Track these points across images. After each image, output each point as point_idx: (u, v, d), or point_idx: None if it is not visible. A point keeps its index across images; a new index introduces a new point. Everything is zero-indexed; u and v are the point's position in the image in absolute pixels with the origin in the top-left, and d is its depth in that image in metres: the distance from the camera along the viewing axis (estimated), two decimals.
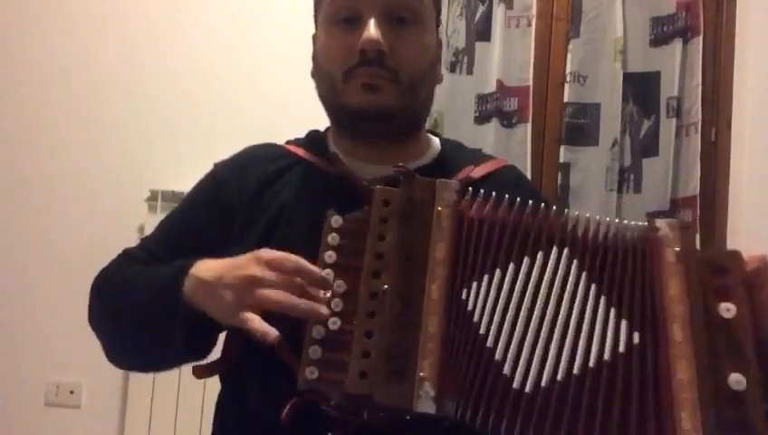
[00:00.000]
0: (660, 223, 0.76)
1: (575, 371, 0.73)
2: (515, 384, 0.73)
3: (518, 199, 0.81)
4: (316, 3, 1.03)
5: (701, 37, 2.30)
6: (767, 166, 2.18)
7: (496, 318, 0.76)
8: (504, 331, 0.75)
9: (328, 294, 0.78)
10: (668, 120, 2.29)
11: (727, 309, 0.70)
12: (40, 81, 2.41)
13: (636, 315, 0.73)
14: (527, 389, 0.73)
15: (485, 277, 0.77)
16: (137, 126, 2.38)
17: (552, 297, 0.76)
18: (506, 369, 0.74)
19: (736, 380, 0.68)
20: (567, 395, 0.72)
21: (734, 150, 2.26)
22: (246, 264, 0.80)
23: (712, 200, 2.27)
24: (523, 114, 2.33)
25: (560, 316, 0.75)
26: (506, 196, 0.81)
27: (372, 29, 0.91)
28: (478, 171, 0.99)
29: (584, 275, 0.76)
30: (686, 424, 0.68)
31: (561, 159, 2.31)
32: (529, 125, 2.32)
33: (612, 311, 0.74)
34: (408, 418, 0.76)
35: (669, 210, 2.24)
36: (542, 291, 0.76)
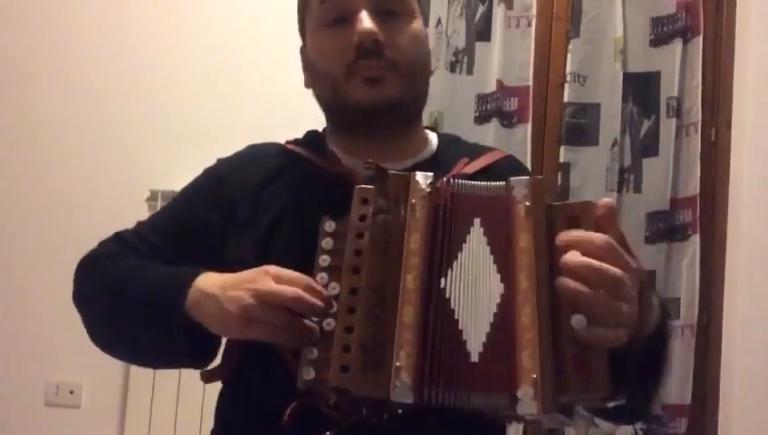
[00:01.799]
0: (514, 181, 0.80)
1: (486, 329, 0.76)
2: (471, 358, 0.75)
3: (480, 184, 0.82)
4: (301, 15, 1.03)
5: (701, 37, 2.30)
6: (767, 166, 2.18)
7: (464, 301, 0.77)
8: (467, 311, 0.77)
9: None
10: (668, 120, 2.29)
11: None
12: (40, 81, 2.42)
13: (502, 269, 0.78)
14: (476, 359, 0.75)
15: (454, 263, 0.79)
16: (137, 126, 2.38)
17: (475, 267, 0.79)
18: (467, 346, 0.76)
19: (578, 319, 0.70)
20: (484, 358, 0.75)
21: (734, 150, 2.26)
22: (255, 277, 0.81)
23: (712, 200, 2.27)
24: (523, 114, 2.33)
25: (478, 283, 0.78)
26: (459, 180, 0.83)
27: (366, 21, 0.92)
28: (473, 166, 0.99)
29: (485, 239, 0.80)
30: (527, 362, 0.72)
31: (561, 159, 2.31)
32: (529, 125, 2.32)
33: (494, 267, 0.78)
34: (399, 411, 0.77)
35: (669, 210, 2.24)
36: (473, 263, 0.79)
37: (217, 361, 0.94)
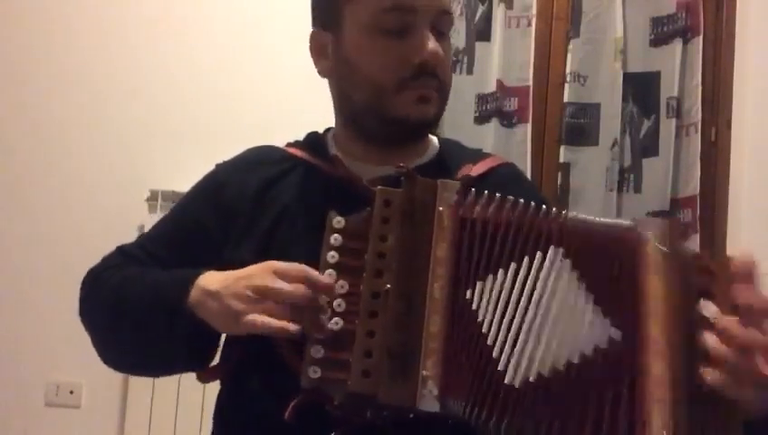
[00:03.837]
0: (649, 221, 0.77)
1: (560, 367, 0.73)
2: (507, 380, 0.74)
3: (520, 200, 0.80)
4: (336, 3, 0.97)
5: (701, 37, 2.30)
6: (767, 166, 2.18)
7: (497, 317, 0.76)
8: (503, 329, 0.75)
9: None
10: (668, 121, 2.29)
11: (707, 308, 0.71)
12: (40, 81, 2.41)
13: (617, 312, 0.73)
14: (516, 384, 0.73)
15: (489, 277, 0.77)
16: (137, 126, 2.38)
17: (546, 295, 0.76)
18: (501, 365, 0.74)
19: (714, 376, 0.67)
20: (550, 390, 0.73)
21: (734, 150, 2.26)
22: (256, 274, 0.81)
23: (712, 200, 2.27)
24: (523, 114, 2.33)
25: (551, 313, 0.75)
26: (507, 196, 0.81)
27: (433, 41, 0.92)
28: (477, 169, 0.99)
29: (576, 273, 0.76)
30: (657, 420, 0.68)
31: (561, 159, 2.32)
32: (529, 125, 2.33)
33: (597, 308, 0.74)
34: (411, 416, 0.76)
35: (669, 210, 2.24)
36: (537, 289, 0.76)
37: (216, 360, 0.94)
